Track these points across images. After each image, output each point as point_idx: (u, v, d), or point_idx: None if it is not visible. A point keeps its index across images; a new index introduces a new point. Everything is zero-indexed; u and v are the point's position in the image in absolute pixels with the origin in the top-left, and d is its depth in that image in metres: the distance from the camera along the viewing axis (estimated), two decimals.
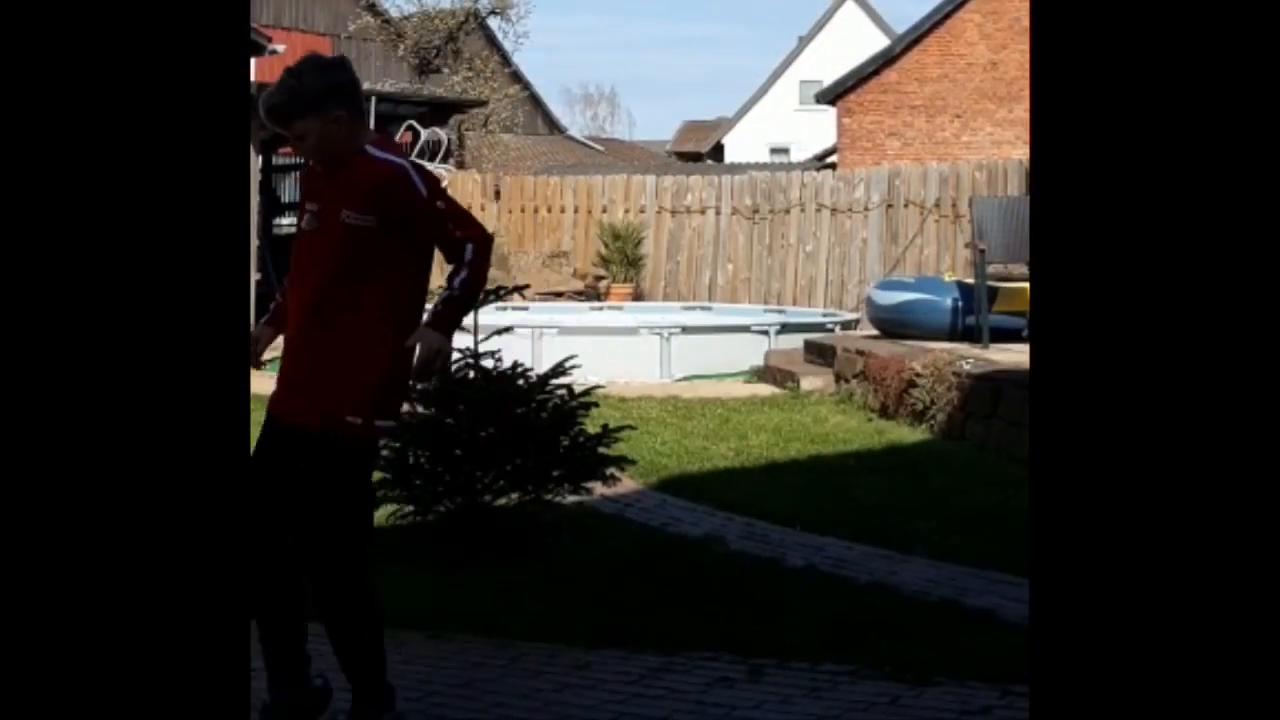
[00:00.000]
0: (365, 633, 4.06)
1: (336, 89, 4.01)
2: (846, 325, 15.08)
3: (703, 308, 17.68)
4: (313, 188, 4.13)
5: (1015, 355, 9.99)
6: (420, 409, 6.48)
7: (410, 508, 6.50)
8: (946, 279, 12.77)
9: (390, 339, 3.99)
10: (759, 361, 13.34)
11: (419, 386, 3.98)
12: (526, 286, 12.62)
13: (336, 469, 3.98)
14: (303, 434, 3.99)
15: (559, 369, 6.70)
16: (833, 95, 28.20)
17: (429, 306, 4.13)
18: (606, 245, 19.08)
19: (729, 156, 44.36)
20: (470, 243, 4.05)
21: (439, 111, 22.49)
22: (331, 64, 4.14)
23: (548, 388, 6.62)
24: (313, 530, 3.96)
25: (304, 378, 4.02)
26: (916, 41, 27.58)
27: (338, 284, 3.98)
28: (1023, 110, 25.53)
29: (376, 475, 6.31)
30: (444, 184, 3.98)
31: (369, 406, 3.97)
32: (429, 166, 20.21)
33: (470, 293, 4.09)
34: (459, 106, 25.09)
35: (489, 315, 7.03)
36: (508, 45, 38.02)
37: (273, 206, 20.19)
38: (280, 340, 4.25)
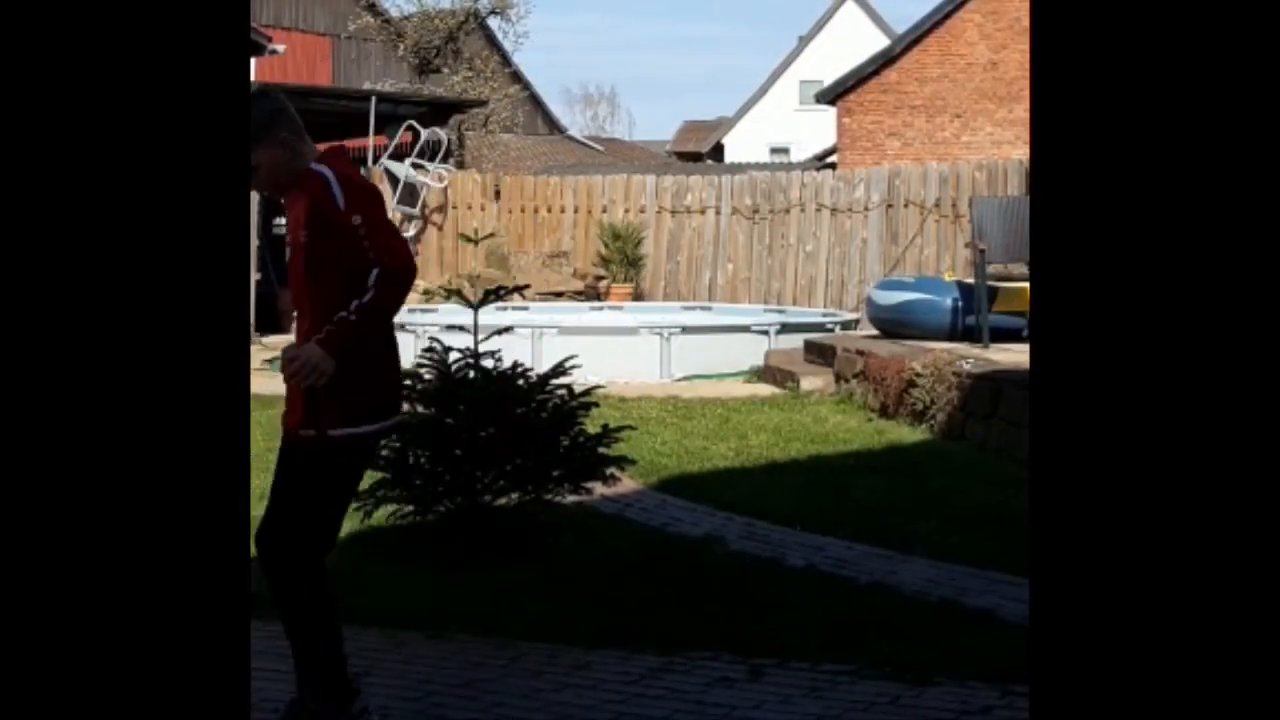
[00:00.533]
0: (317, 633, 4.16)
1: (276, 113, 4.07)
2: (846, 325, 15.08)
3: (703, 308, 17.68)
4: (288, 214, 4.26)
5: (1015, 355, 10.00)
6: (420, 409, 6.48)
7: (410, 508, 6.50)
8: (946, 279, 12.77)
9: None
10: (759, 361, 13.35)
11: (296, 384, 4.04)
12: (526, 286, 12.63)
13: (295, 476, 4.13)
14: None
15: (559, 369, 6.70)
16: (833, 95, 28.20)
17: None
18: (606, 245, 19.08)
19: (729, 156, 44.36)
20: (378, 267, 3.95)
21: (439, 111, 22.48)
22: (262, 93, 4.20)
23: (548, 388, 6.62)
24: (272, 531, 4.09)
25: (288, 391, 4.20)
26: (916, 41, 27.58)
27: (301, 302, 4.15)
28: (1023, 110, 25.54)
29: (376, 475, 6.34)
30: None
31: (318, 418, 4.05)
32: (429, 167, 20.30)
33: (366, 318, 3.97)
34: (459, 106, 25.09)
35: (489, 315, 7.04)
36: (508, 45, 38.03)
37: (273, 206, 20.18)
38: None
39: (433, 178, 19.94)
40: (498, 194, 20.32)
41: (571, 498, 6.70)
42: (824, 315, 15.90)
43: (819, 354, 12.47)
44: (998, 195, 16.10)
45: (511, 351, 7.10)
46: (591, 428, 6.72)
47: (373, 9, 35.24)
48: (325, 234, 4.01)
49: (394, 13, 34.85)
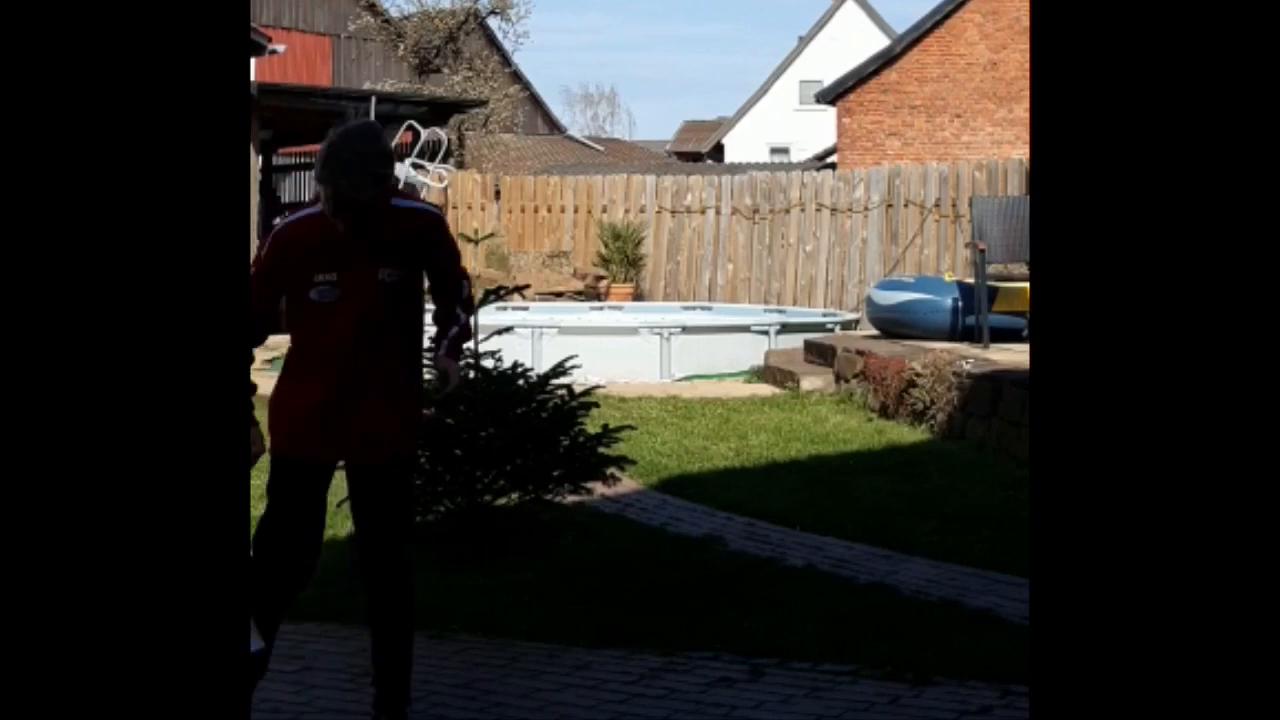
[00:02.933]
0: (411, 646, 4.42)
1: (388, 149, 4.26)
2: (846, 325, 15.08)
3: (703, 308, 17.67)
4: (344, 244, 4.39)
5: (1015, 355, 10.00)
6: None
7: None
8: (946, 279, 12.76)
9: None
10: (759, 361, 13.35)
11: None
12: (526, 286, 12.63)
13: (398, 493, 4.39)
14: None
15: (559, 369, 6.70)
16: (833, 95, 28.19)
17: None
18: (606, 245, 19.08)
19: (729, 156, 44.35)
20: (461, 298, 4.40)
21: (439, 111, 22.48)
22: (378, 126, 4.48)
23: (548, 388, 6.62)
24: (386, 552, 4.40)
25: None
26: (916, 41, 27.58)
27: (368, 337, 4.32)
28: (1023, 110, 25.54)
29: None
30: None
31: (413, 434, 4.43)
32: (429, 167, 20.29)
33: (469, 332, 4.58)
34: (459, 106, 25.08)
35: (489, 315, 7.04)
36: (508, 45, 37.98)
37: (273, 206, 20.18)
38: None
39: (433, 178, 19.94)
40: (498, 194, 20.32)
41: (571, 498, 6.70)
42: (824, 315, 15.90)
43: (819, 354, 12.48)
44: (998, 195, 16.09)
45: (511, 351, 7.11)
46: (591, 428, 6.72)
47: (373, 9, 35.22)
48: (419, 272, 4.29)
49: (394, 13, 34.84)
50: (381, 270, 4.14)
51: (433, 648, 5.10)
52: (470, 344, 5.01)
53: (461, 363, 4.69)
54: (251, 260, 3.97)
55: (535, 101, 44.39)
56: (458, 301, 4.37)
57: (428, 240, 4.25)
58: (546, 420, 6.51)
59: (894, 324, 12.26)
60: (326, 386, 4.11)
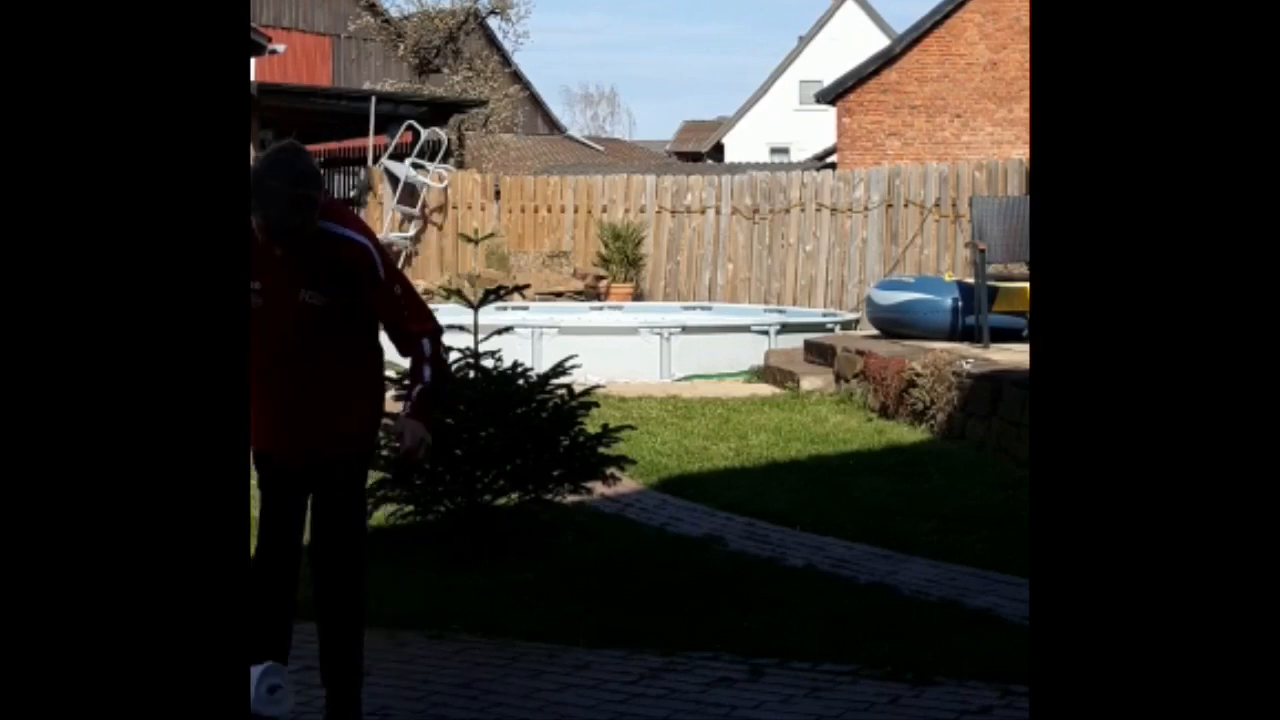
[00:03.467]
0: (362, 634, 4.31)
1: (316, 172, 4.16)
2: (846, 325, 15.08)
3: (703, 307, 17.67)
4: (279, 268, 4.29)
5: (1015, 355, 10.00)
6: None
7: (410, 507, 6.50)
8: (946, 279, 12.76)
9: None
10: (759, 361, 13.34)
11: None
12: (526, 286, 12.64)
13: (347, 487, 4.32)
14: None
15: (559, 369, 6.70)
16: (833, 95, 28.19)
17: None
18: (606, 245, 19.07)
19: (729, 156, 44.34)
20: (426, 334, 4.25)
21: (439, 111, 22.48)
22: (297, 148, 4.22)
23: (548, 388, 6.62)
24: (336, 543, 4.28)
25: None
26: (916, 41, 27.58)
27: (306, 357, 4.26)
28: (1023, 110, 25.55)
29: (377, 475, 6.36)
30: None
31: (367, 430, 4.40)
32: (429, 166, 20.29)
33: (442, 384, 4.35)
34: (459, 106, 25.08)
35: (489, 315, 7.04)
36: (508, 45, 37.99)
37: None
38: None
39: (433, 178, 19.94)
40: (498, 194, 20.31)
41: (571, 497, 6.70)
42: (824, 315, 15.89)
43: (819, 354, 12.47)
44: (998, 195, 16.09)
45: (511, 351, 7.11)
46: (591, 427, 6.72)
47: (373, 9, 35.22)
48: (357, 300, 4.13)
49: (394, 13, 34.84)
50: (304, 291, 4.07)
51: (433, 648, 5.10)
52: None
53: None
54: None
55: (535, 101, 44.39)
56: (414, 354, 4.19)
57: (347, 272, 4.08)
58: (546, 420, 6.51)
59: (894, 324, 12.26)
60: (266, 390, 4.09)
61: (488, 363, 6.57)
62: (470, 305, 6.75)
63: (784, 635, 5.15)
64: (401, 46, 32.94)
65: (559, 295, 17.85)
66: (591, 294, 18.28)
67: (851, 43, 42.53)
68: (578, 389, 6.69)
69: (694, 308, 17.59)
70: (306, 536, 4.31)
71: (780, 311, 16.44)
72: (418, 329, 4.17)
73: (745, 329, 14.37)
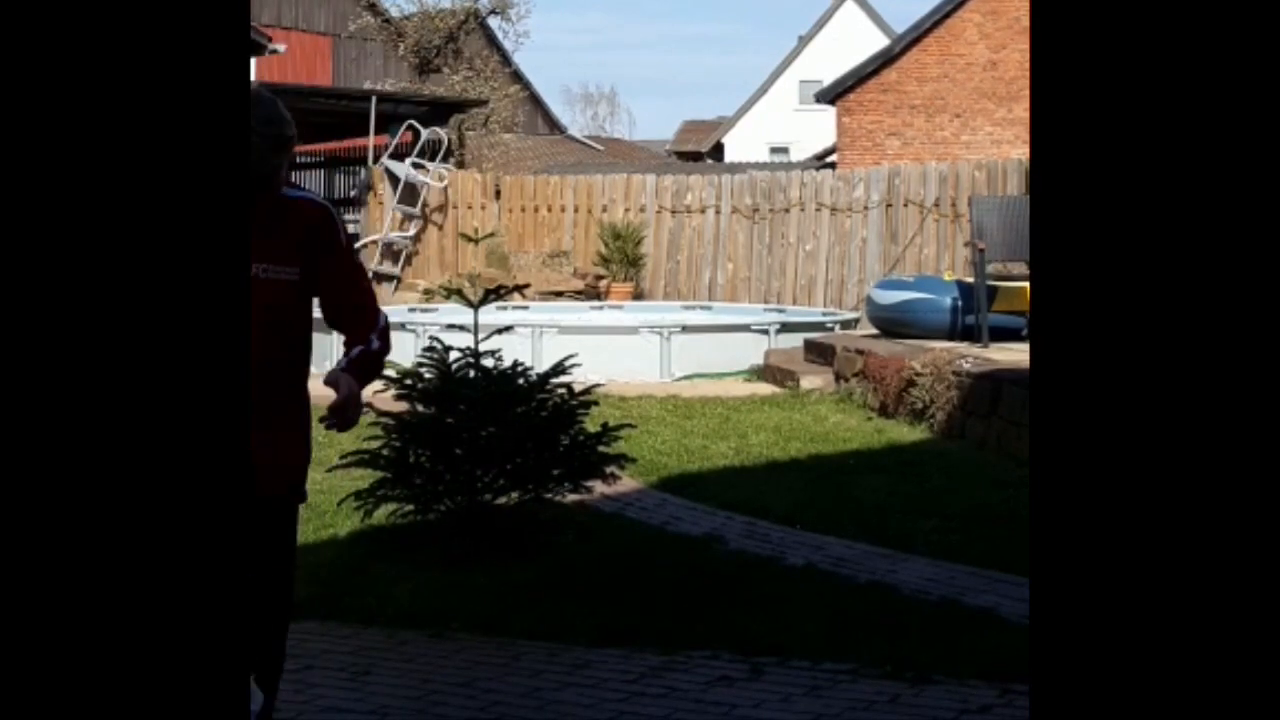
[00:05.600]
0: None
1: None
2: (846, 324, 15.08)
3: (703, 307, 17.67)
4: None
5: (1015, 355, 10.00)
6: (420, 408, 6.49)
7: (411, 507, 6.50)
8: (946, 278, 12.77)
9: None
10: (759, 361, 13.35)
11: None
12: (526, 286, 12.64)
13: (289, 528, 3.96)
14: None
15: (559, 368, 6.70)
16: (832, 95, 28.20)
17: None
18: (606, 245, 19.08)
19: (729, 156, 44.34)
20: (378, 317, 3.92)
21: (439, 111, 22.48)
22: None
23: (548, 387, 6.62)
24: (283, 585, 3.91)
25: None
26: (916, 41, 27.59)
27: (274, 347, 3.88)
28: (1022, 110, 25.55)
29: (377, 474, 6.37)
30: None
31: (304, 468, 3.98)
32: (430, 166, 20.32)
33: (382, 360, 3.98)
34: (459, 106, 25.08)
35: (489, 314, 7.04)
36: (508, 45, 38.02)
37: None
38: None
39: (433, 177, 19.95)
40: (498, 193, 20.32)
41: (571, 497, 6.70)
42: (824, 314, 15.90)
43: (819, 353, 12.48)
44: (997, 195, 16.10)
45: (511, 351, 7.11)
46: (591, 426, 6.72)
47: (373, 9, 35.25)
48: (316, 274, 3.75)
49: (394, 13, 34.87)
50: (258, 265, 3.63)
51: (433, 647, 5.10)
52: (376, 377, 4.11)
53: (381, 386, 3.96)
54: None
55: (535, 101, 44.40)
56: (364, 326, 3.80)
57: (305, 235, 3.73)
58: (546, 419, 6.51)
59: (894, 323, 12.27)
60: None
61: (488, 362, 6.57)
62: (470, 305, 6.75)
63: (784, 634, 5.16)
64: (402, 46, 32.96)
65: (559, 295, 17.86)
66: (591, 293, 18.29)
67: (851, 42, 42.53)
68: (578, 388, 6.69)
69: (694, 307, 17.60)
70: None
71: (780, 311, 16.44)
72: (371, 305, 3.85)
73: (745, 328, 14.38)
